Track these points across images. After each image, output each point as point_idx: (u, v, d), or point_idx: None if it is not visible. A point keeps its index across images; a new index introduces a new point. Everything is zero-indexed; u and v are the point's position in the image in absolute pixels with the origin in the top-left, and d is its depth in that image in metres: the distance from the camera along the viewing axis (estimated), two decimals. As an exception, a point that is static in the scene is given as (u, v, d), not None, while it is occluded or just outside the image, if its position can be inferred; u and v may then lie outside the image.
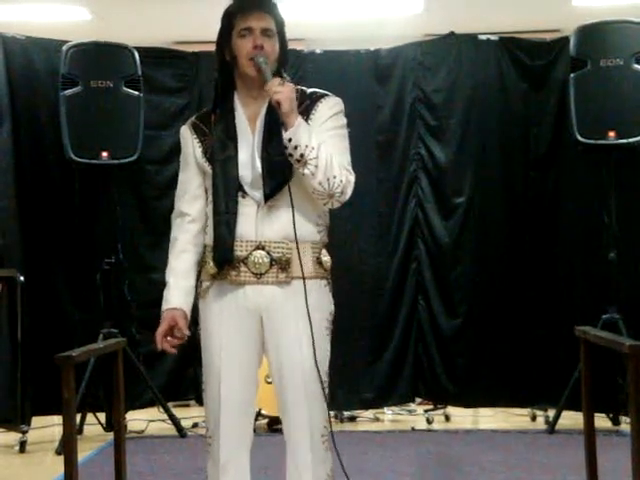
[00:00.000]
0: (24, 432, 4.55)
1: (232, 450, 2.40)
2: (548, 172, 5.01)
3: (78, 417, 4.47)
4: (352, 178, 2.39)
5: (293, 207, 2.32)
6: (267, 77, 2.33)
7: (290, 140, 2.28)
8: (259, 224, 2.36)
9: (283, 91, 2.28)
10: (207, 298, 2.44)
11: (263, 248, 2.36)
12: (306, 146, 2.29)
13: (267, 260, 2.35)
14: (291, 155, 2.30)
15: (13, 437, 4.62)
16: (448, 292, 5.08)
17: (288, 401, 2.39)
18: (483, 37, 5.08)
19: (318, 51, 5.21)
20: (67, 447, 2.55)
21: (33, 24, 5.73)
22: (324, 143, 2.34)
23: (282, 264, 2.36)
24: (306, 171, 2.30)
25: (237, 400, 2.39)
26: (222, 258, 2.37)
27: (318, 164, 2.30)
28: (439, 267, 5.09)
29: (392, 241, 5.10)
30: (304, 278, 2.35)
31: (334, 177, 2.33)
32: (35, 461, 4.43)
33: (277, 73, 2.39)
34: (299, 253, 2.34)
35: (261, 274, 2.36)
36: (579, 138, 4.61)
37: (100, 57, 4.72)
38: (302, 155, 2.29)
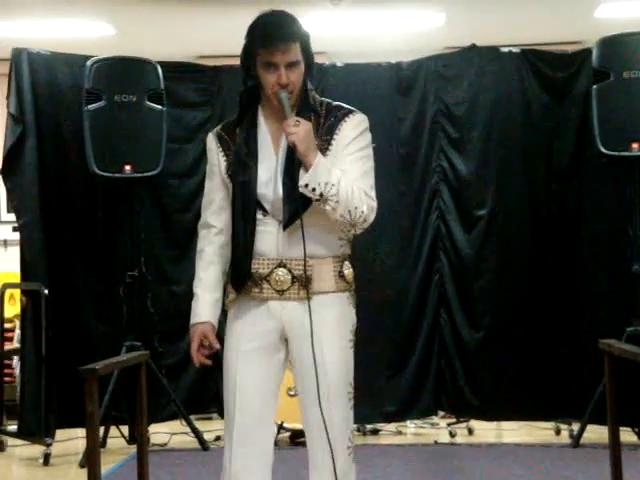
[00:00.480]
0: (48, 445, 4.57)
1: (244, 463, 2.38)
2: (571, 184, 4.99)
3: (101, 430, 4.49)
4: (374, 204, 2.39)
5: (304, 233, 2.31)
6: (286, 113, 2.32)
7: (306, 185, 2.28)
8: (280, 242, 2.37)
9: (298, 132, 2.27)
10: (232, 310, 2.47)
11: (284, 266, 2.37)
12: (326, 184, 2.28)
13: (288, 277, 2.37)
14: (310, 196, 2.30)
15: (37, 450, 4.64)
16: (471, 305, 5.06)
17: (311, 413, 2.39)
18: (505, 49, 5.07)
19: (339, 64, 5.22)
20: (90, 460, 2.56)
21: (57, 40, 5.79)
22: (346, 171, 2.33)
23: (303, 281, 2.36)
24: (327, 207, 2.31)
25: (253, 414, 2.39)
26: (239, 279, 2.39)
27: (339, 199, 2.30)
28: (461, 279, 5.07)
29: (414, 254, 5.09)
30: (309, 298, 2.34)
31: (356, 208, 2.33)
32: (59, 474, 4.44)
33: (304, 90, 2.38)
34: (305, 273, 2.34)
35: (283, 291, 2.38)
36: (602, 150, 4.58)
37: (123, 72, 4.76)
38: (321, 194, 2.29)
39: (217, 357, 2.50)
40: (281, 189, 2.35)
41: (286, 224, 2.35)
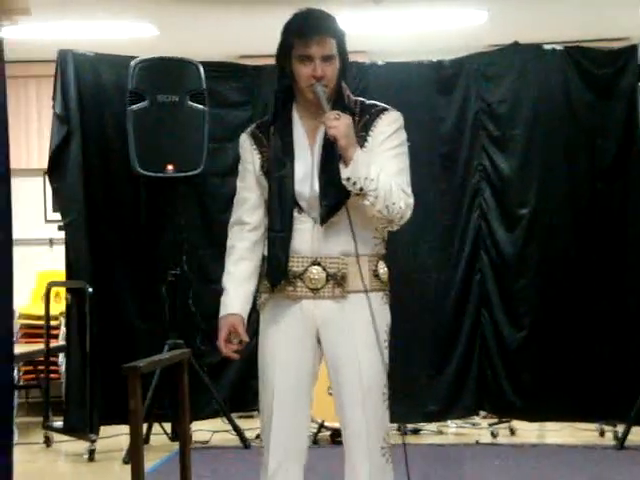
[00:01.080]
0: (93, 441, 4.63)
1: (281, 461, 2.40)
2: (615, 183, 4.92)
3: (145, 427, 4.53)
4: (411, 201, 2.38)
5: (352, 226, 2.32)
6: (325, 107, 2.32)
7: (348, 179, 2.27)
8: (315, 240, 2.37)
9: (339, 126, 2.26)
10: (265, 311, 2.46)
11: (319, 264, 2.37)
12: (365, 178, 2.27)
13: (323, 276, 2.37)
14: (350, 190, 2.30)
15: (82, 446, 4.70)
16: (512, 304, 5.01)
17: (347, 412, 2.40)
18: (548, 47, 5.01)
19: (380, 63, 5.21)
20: (134, 456, 2.58)
21: (102, 41, 5.85)
22: (383, 167, 2.32)
23: (338, 279, 2.36)
24: (366, 202, 2.30)
25: (289, 413, 2.40)
26: (275, 277, 2.39)
27: (378, 195, 2.29)
28: (503, 279, 5.03)
29: (455, 253, 5.06)
30: (367, 291, 2.35)
31: (393, 204, 2.32)
32: (103, 470, 4.50)
33: (337, 86, 2.39)
34: (360, 269, 2.34)
35: (317, 289, 2.37)
36: (647, 148, 4.52)
37: (166, 72, 4.80)
38: (361, 189, 2.28)
39: (251, 353, 2.51)
40: (317, 186, 2.35)
41: (323, 220, 2.35)
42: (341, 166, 2.28)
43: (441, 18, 5.93)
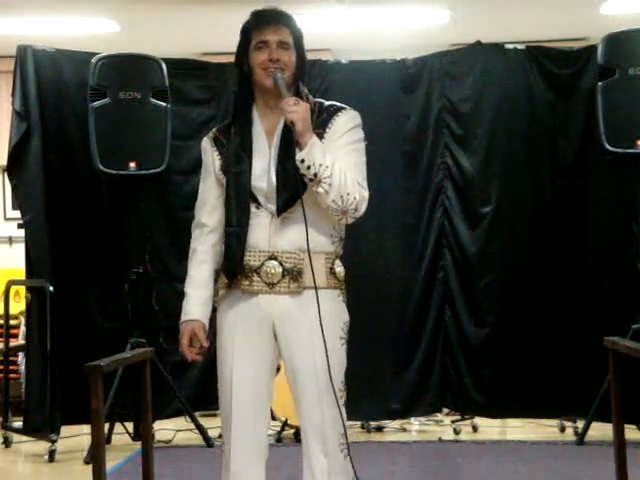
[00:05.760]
0: (53, 441, 4.58)
1: (244, 459, 2.41)
2: (576, 181, 4.98)
3: (106, 426, 4.50)
4: (366, 194, 2.41)
5: (306, 220, 2.34)
6: (283, 93, 2.36)
7: (303, 161, 2.31)
8: (272, 235, 2.39)
9: (297, 110, 2.31)
10: (222, 307, 2.48)
11: (276, 258, 2.38)
12: (320, 165, 2.31)
13: (279, 270, 2.38)
14: (304, 175, 2.33)
15: (42, 446, 4.65)
16: (475, 302, 5.05)
17: (304, 410, 2.41)
18: (510, 46, 5.05)
19: (344, 61, 5.22)
20: (95, 456, 2.57)
21: (62, 37, 5.79)
22: (338, 159, 2.36)
23: (294, 274, 2.38)
24: (320, 189, 2.33)
25: (248, 410, 2.41)
26: (231, 270, 2.41)
27: (332, 182, 2.32)
28: (466, 277, 5.07)
29: (418, 251, 5.09)
30: (316, 288, 2.35)
31: (348, 194, 2.35)
32: (64, 470, 4.46)
33: (294, 85, 2.43)
34: (311, 264, 2.35)
35: (273, 284, 2.39)
36: (607, 147, 4.58)
37: (128, 69, 4.76)
38: (315, 174, 2.32)
39: (214, 352, 2.51)
40: (274, 179, 2.38)
41: (280, 211, 2.37)
42: (297, 150, 2.32)
43: (404, 17, 5.96)
